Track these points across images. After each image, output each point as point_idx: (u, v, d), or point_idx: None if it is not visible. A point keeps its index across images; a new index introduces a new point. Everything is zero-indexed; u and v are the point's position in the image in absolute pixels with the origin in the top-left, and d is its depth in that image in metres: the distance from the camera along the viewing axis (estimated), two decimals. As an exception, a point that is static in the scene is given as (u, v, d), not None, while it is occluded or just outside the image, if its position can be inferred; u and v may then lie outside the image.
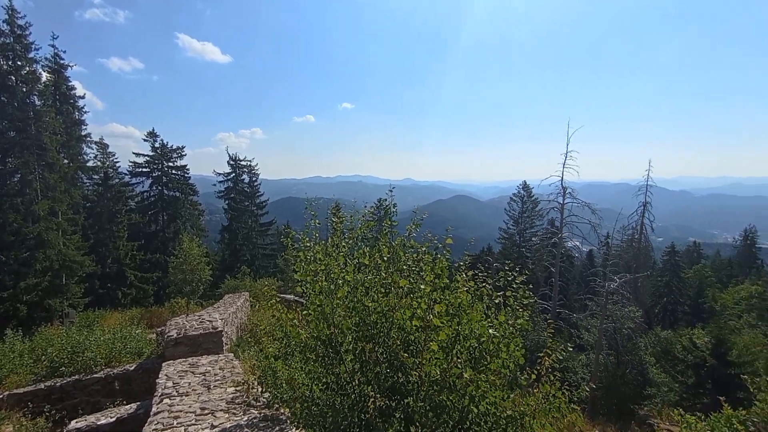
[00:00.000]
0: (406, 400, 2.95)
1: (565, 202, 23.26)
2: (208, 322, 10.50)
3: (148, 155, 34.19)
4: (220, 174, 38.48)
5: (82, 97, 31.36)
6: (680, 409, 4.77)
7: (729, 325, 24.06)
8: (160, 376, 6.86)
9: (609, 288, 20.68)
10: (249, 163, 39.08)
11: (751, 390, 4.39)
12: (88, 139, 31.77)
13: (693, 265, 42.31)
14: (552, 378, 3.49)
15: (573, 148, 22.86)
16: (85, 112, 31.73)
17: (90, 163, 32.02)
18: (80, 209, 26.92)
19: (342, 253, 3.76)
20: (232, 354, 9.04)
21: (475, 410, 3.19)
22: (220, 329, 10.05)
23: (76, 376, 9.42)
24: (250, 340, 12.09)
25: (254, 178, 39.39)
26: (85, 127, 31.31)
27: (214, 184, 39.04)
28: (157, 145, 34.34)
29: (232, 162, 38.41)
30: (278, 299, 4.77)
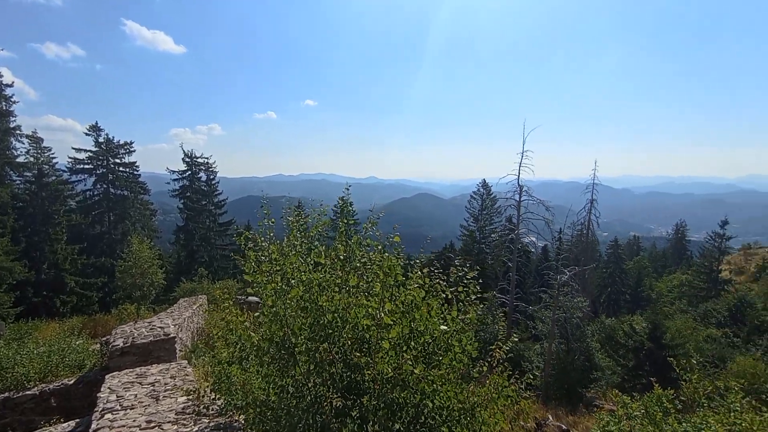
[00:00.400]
0: (361, 400, 2.96)
1: (522, 199, 24.34)
2: (159, 329, 9.92)
3: (90, 151, 31.62)
4: (174, 172, 36.40)
5: (10, 86, 28.35)
6: (616, 390, 5.18)
7: (663, 311, 26.45)
8: (101, 389, 6.39)
9: (560, 280, 21.96)
10: (206, 160, 37.33)
11: (678, 371, 4.85)
12: (18, 132, 28.79)
13: (633, 257, 46.02)
14: (502, 368, 3.65)
15: (529, 148, 23.94)
16: (14, 102, 28.72)
17: (21, 159, 29.06)
18: (9, 210, 24.34)
19: (296, 253, 3.69)
20: (186, 361, 8.61)
21: (431, 405, 3.26)
22: (172, 336, 9.54)
23: (6, 394, 8.55)
24: (205, 345, 11.59)
25: (212, 176, 37.68)
26: (14, 118, 28.35)
27: (168, 183, 36.87)
28: (101, 139, 31.85)
29: (187, 159, 36.47)
30: (240, 301, 4.61)
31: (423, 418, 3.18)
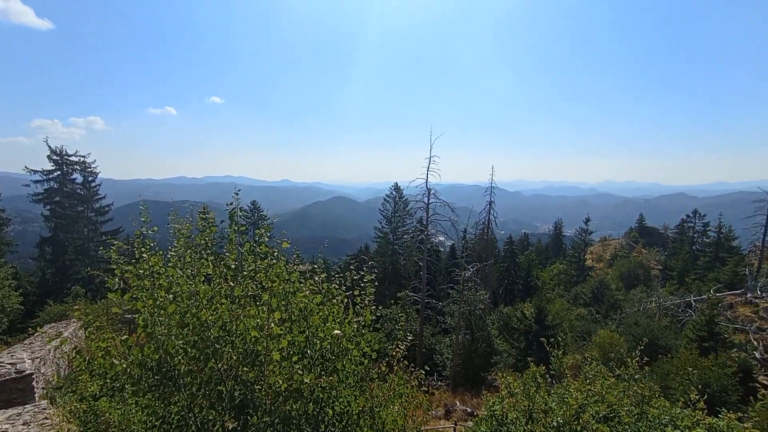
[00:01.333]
0: (251, 418, 2.77)
1: (430, 202, 25.88)
2: (9, 366, 8.09)
3: None
4: (36, 171, 30.08)
5: None
6: (507, 372, 5.84)
7: (546, 297, 30.66)
8: None
9: (465, 276, 23.95)
10: (82, 158, 31.64)
11: (548, 349, 5.64)
12: None
13: (524, 251, 52.52)
14: (402, 365, 3.79)
15: (436, 153, 25.58)
16: None
17: None
18: None
19: (173, 265, 3.30)
20: (47, 402, 7.13)
21: (331, 412, 3.22)
22: (28, 372, 7.86)
23: None
24: (76, 378, 9.76)
25: (91, 178, 32.11)
26: None
27: (28, 185, 30.28)
28: None
29: (56, 157, 30.47)
30: (128, 321, 3.93)
31: (323, 427, 3.12)
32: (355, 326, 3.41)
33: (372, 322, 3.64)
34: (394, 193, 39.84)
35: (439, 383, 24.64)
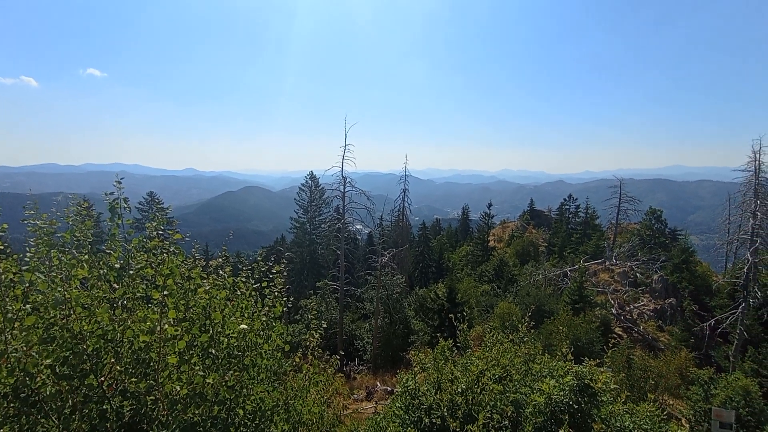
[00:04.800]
0: (146, 433, 2.48)
1: (346, 190, 25.92)
2: None
3: None
4: None
5: None
6: (417, 349, 6.24)
7: (456, 277, 33.43)
8: None
9: (382, 262, 24.72)
10: None
11: (455, 324, 6.17)
12: None
13: (436, 235, 56.20)
14: (317, 354, 3.78)
15: (351, 142, 25.58)
16: None
17: None
18: None
19: (30, 268, 2.71)
20: None
21: (241, 412, 3.06)
22: None
23: None
24: None
25: None
26: None
27: None
28: None
29: None
30: None
31: (233, 429, 2.95)
32: (264, 319, 3.26)
33: (284, 313, 3.52)
34: (309, 182, 38.95)
35: (361, 367, 25.27)
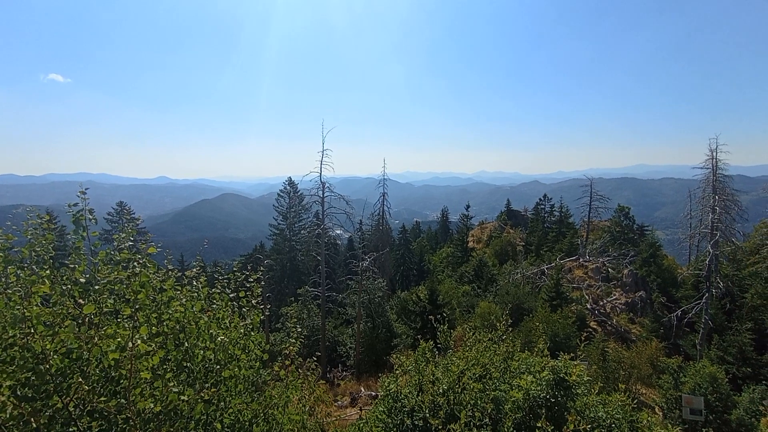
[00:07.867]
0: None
1: (325, 195, 25.74)
2: None
3: None
4: None
5: None
6: (400, 353, 6.26)
7: (437, 279, 33.69)
8: None
9: (363, 266, 24.65)
10: None
11: (435, 326, 6.22)
12: None
13: (416, 239, 56.57)
14: (298, 362, 3.73)
15: (329, 147, 25.46)
16: None
17: None
18: None
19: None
20: None
21: (219, 426, 2.98)
22: None
23: None
24: None
25: None
26: None
27: None
28: None
29: None
30: None
31: (212, 443, 2.87)
32: (242, 330, 3.20)
33: (263, 322, 3.46)
34: (288, 187, 38.47)
35: (345, 373, 25.03)
